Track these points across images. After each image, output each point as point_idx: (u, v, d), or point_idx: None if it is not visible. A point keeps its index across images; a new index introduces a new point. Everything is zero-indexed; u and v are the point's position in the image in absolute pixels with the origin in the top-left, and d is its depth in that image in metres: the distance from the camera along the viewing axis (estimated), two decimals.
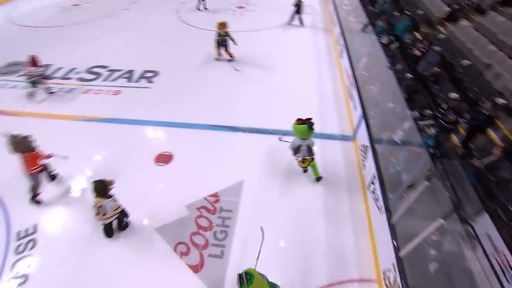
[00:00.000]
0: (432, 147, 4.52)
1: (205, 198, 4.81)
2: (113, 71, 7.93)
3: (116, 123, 6.15)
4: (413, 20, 8.03)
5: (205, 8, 12.09)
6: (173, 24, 10.61)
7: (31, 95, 7.20)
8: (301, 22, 10.51)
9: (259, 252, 3.48)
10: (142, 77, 7.60)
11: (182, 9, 12.04)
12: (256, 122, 5.83)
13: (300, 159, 4.94)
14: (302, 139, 4.81)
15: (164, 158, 5.46)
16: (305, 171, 5.23)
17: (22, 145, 4.61)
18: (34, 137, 4.67)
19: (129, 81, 7.41)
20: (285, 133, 5.37)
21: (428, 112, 5.06)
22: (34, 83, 7.17)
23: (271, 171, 5.17)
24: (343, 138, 5.83)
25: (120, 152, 5.50)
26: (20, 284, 4.04)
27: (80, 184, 5.09)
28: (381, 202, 4.04)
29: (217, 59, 8.28)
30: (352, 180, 5.07)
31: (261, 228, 3.77)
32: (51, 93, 7.37)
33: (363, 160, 5.03)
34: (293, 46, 8.72)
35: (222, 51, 8.22)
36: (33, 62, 7.14)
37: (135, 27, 10.74)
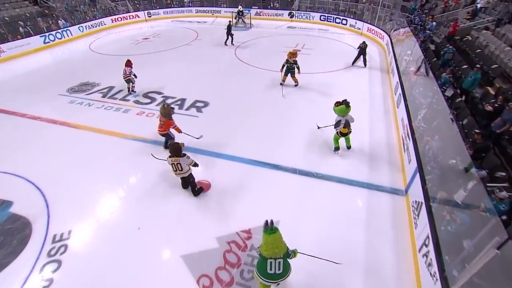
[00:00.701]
0: (506, 213, 4.20)
1: (237, 233, 4.74)
2: (166, 97, 8.44)
3: (161, 146, 6.50)
4: (484, 73, 7.77)
5: (232, 44, 13.54)
6: (228, 60, 11.16)
7: (128, 91, 8.75)
8: (365, 64, 10.85)
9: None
10: (192, 105, 7.91)
11: (239, 47, 13.25)
12: (300, 163, 5.78)
13: (340, 128, 6.00)
14: (342, 115, 5.92)
15: (201, 186, 5.58)
16: (336, 148, 6.20)
17: (165, 112, 6.14)
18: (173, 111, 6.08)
19: (180, 108, 7.78)
20: (329, 178, 5.46)
21: (501, 174, 4.73)
22: (128, 82, 8.77)
23: (309, 215, 5.03)
24: (393, 191, 5.50)
25: (161, 171, 5.67)
26: (44, 287, 4.16)
27: (111, 209, 5.16)
28: (435, 268, 3.68)
29: (282, 84, 9.04)
30: (401, 239, 4.65)
31: None
32: (133, 91, 8.82)
33: (415, 218, 4.71)
34: (348, 90, 8.72)
35: (288, 77, 8.98)
36: (128, 63, 8.81)
37: (193, 60, 11.50)
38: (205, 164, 5.86)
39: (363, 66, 10.76)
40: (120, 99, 8.51)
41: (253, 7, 20.09)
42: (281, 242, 3.51)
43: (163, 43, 14.43)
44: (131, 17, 19.76)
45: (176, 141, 6.32)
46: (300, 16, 18.66)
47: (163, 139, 6.45)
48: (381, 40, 13.66)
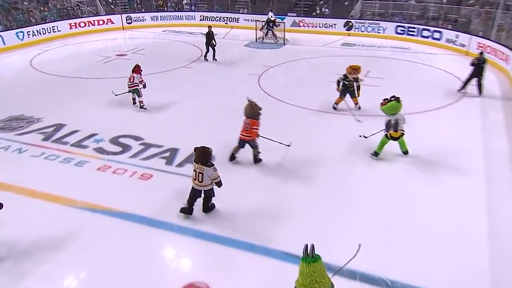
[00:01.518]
0: None
1: None
2: (148, 145, 8.17)
3: (135, 222, 5.92)
4: None
5: (214, 59, 14.12)
6: (249, 92, 10.28)
7: (133, 102, 9.92)
8: (480, 90, 10.57)
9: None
10: (188, 161, 7.38)
11: (266, 73, 12.86)
12: (364, 265, 5.10)
13: (391, 131, 7.02)
14: (392, 114, 6.96)
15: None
16: (376, 154, 7.22)
17: (253, 112, 7.00)
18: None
19: (169, 164, 7.45)
20: None
21: None
22: (134, 92, 9.62)
23: None
24: None
25: (132, 271, 5.08)
26: None
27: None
28: None
29: (335, 108, 9.66)
30: None
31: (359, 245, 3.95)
32: (143, 107, 9.64)
33: None
34: (446, 144, 8.22)
35: (347, 98, 9.49)
36: (137, 70, 9.65)
37: (194, 91, 11.41)
38: (202, 256, 5.37)
39: (478, 93, 10.66)
40: (72, 145, 8.24)
41: (289, 14, 19.28)
42: (324, 274, 3.48)
43: (148, 62, 14.37)
44: (101, 22, 18.79)
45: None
46: (362, 28, 17.81)
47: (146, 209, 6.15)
48: (504, 64, 12.86)
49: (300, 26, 18.69)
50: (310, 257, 3.41)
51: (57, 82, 12.05)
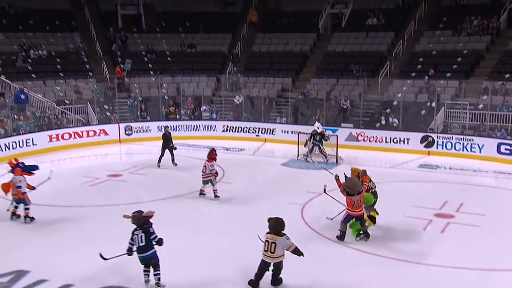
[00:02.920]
0: None
1: None
2: None
3: None
4: None
5: (174, 163, 16.94)
6: (289, 223, 9.98)
7: (199, 193, 12.78)
8: None
9: None
10: None
11: (312, 202, 13.24)
12: None
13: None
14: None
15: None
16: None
17: (357, 186, 10.23)
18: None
19: None
20: None
21: None
22: (206, 182, 12.73)
23: None
24: None
25: None
26: None
27: None
28: None
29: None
30: None
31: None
32: (217, 196, 12.74)
33: None
34: None
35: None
36: (212, 155, 12.83)
37: (215, 223, 11.83)
38: None
39: None
40: None
41: (343, 124, 20.68)
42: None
43: (151, 186, 14.73)
44: (92, 133, 20.09)
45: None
46: (448, 146, 18.59)
47: None
48: None
49: (358, 141, 19.74)
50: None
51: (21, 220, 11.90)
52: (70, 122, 20.98)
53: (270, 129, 20.91)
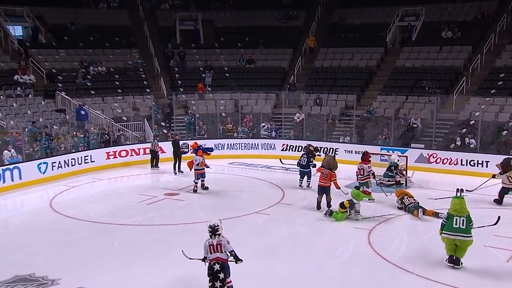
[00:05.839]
0: None
1: None
2: None
3: None
4: None
5: (178, 171, 18.69)
6: (354, 249, 10.82)
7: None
8: None
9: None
10: None
11: (380, 227, 12.92)
12: None
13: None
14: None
15: None
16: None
17: (329, 163, 14.05)
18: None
19: None
20: None
21: None
22: (364, 184, 14.64)
23: None
24: None
25: None
26: None
27: None
28: None
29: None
30: None
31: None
32: (373, 200, 14.52)
33: None
34: None
35: None
36: (366, 157, 15.10)
37: (275, 247, 11.60)
38: None
39: None
40: None
41: (413, 145, 20.49)
42: (465, 206, 10.00)
43: (207, 206, 15.04)
44: (148, 151, 20.35)
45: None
46: None
47: None
48: None
49: (430, 163, 19.46)
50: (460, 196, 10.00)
51: (83, 230, 12.76)
52: (127, 139, 21.48)
53: (334, 149, 20.61)
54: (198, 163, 15.47)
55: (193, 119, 23.41)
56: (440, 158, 19.10)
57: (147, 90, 25.56)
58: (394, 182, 17.55)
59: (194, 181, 15.80)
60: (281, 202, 14.68)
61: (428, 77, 23.47)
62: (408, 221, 13.77)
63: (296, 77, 26.77)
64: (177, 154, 18.91)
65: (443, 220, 10.34)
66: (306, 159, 16.97)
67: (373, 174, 15.13)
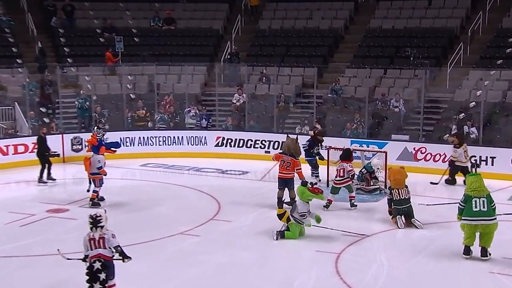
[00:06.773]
0: None
1: None
2: None
3: None
4: None
5: (49, 180, 18.56)
6: (317, 281, 11.67)
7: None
8: None
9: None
10: None
11: (350, 250, 13.33)
12: None
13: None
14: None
15: None
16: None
17: (295, 147, 15.71)
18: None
19: None
20: None
21: None
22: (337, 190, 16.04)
23: None
24: None
25: None
26: None
27: None
28: None
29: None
30: None
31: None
32: (354, 205, 15.75)
33: None
34: None
35: None
36: (351, 157, 16.50)
37: (209, 282, 11.77)
38: None
39: None
40: None
41: (394, 136, 21.02)
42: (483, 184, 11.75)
43: (112, 224, 13.59)
44: (22, 149, 20.46)
45: None
46: None
47: None
48: None
49: (417, 160, 20.29)
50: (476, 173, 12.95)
51: None
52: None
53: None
54: (102, 166, 15.66)
55: (87, 103, 22.97)
56: (431, 154, 19.78)
57: (17, 60, 25.10)
58: (378, 187, 17.83)
59: (93, 190, 16.01)
60: (216, 218, 14.96)
61: (414, 43, 24.15)
62: (388, 239, 13.98)
63: (233, 43, 26.86)
64: (44, 156, 18.74)
65: (459, 204, 11.30)
66: (307, 146, 18.15)
67: (353, 175, 16.07)
